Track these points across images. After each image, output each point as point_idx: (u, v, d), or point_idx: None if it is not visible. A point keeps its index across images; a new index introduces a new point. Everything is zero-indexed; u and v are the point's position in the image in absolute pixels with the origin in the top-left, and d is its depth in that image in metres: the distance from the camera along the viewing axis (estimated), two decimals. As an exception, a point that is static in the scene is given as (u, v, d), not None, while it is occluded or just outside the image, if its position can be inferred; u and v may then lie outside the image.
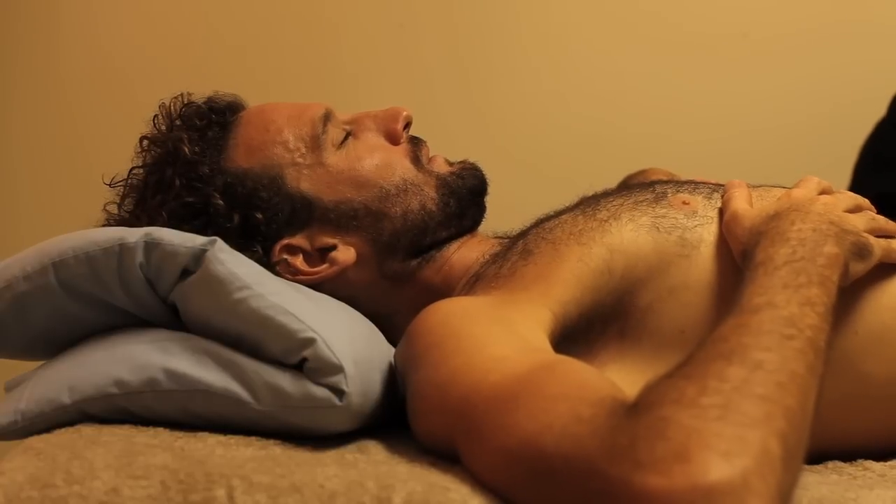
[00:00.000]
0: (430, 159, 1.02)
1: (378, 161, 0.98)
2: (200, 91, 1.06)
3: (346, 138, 0.99)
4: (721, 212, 0.89)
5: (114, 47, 2.00)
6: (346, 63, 1.97)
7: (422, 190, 0.99)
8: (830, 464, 0.81)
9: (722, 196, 0.92)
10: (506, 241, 1.00)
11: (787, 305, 0.66)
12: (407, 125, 1.03)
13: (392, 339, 0.93)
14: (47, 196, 1.96)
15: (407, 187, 0.98)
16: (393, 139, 1.01)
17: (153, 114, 1.03)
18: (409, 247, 0.98)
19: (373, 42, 1.99)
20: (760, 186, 0.94)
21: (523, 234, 0.95)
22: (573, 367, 0.67)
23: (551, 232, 0.91)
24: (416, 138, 1.03)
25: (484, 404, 0.65)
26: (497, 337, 0.74)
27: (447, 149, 1.06)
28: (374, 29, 2.00)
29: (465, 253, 1.00)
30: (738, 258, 0.84)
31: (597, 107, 1.95)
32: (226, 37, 2.00)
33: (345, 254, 0.96)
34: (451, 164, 1.03)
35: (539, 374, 0.65)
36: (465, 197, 1.01)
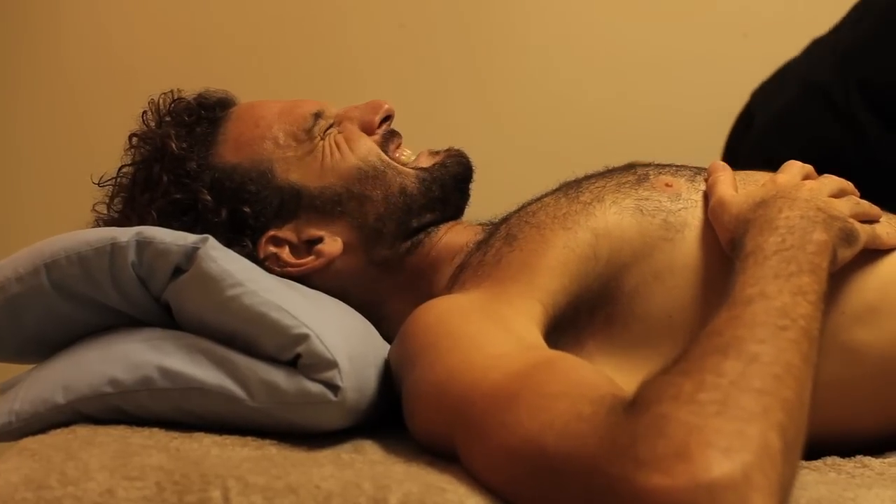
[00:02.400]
0: (397, 148, 1.02)
1: (354, 146, 0.99)
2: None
3: (329, 128, 1.00)
4: (705, 196, 0.89)
5: (117, 43, 2.00)
6: (346, 63, 1.97)
7: (398, 174, 0.99)
8: (829, 460, 0.81)
9: (706, 179, 0.91)
10: (489, 227, 1.00)
11: (779, 295, 0.65)
12: (387, 118, 1.03)
13: (383, 329, 0.94)
14: (49, 196, 1.96)
15: (385, 169, 0.99)
16: (367, 129, 1.01)
17: (142, 110, 1.03)
18: (396, 230, 0.98)
19: (373, 42, 1.99)
20: (743, 171, 0.93)
21: (505, 219, 0.95)
22: (571, 365, 0.67)
23: (534, 216, 0.90)
24: (391, 131, 1.03)
25: (483, 402, 0.65)
26: (493, 335, 0.74)
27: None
28: (375, 29, 2.00)
29: (452, 238, 1.00)
30: (724, 246, 0.83)
31: (595, 108, 1.95)
32: (227, 36, 2.00)
33: (331, 246, 0.96)
34: (435, 153, 1.03)
35: (538, 371, 0.65)
36: (448, 183, 1.01)
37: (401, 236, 0.99)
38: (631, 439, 0.53)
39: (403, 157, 1.02)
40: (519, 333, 0.76)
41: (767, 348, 0.59)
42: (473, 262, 0.91)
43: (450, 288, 0.93)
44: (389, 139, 1.02)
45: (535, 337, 0.77)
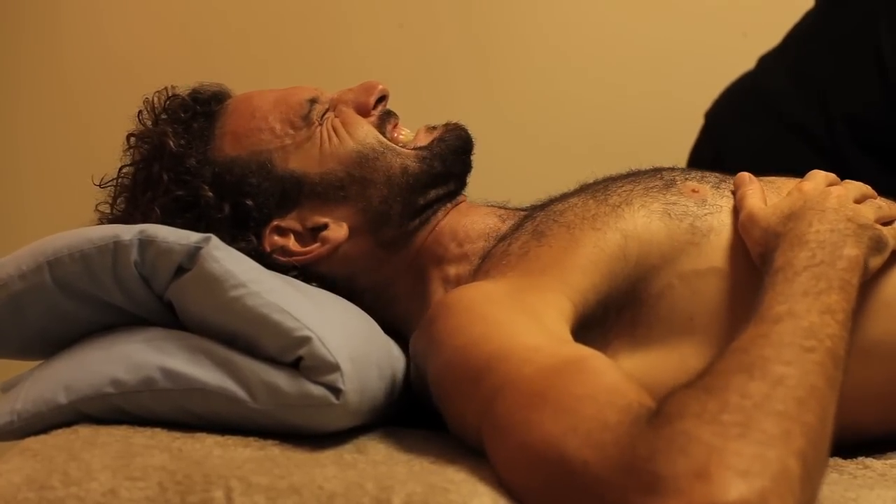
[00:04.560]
0: (394, 128, 1.02)
1: (351, 131, 0.99)
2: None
3: (325, 113, 0.99)
4: (735, 209, 0.88)
5: (117, 43, 2.00)
6: (346, 63, 1.97)
7: (398, 153, 0.99)
8: (831, 461, 0.80)
9: (733, 192, 0.91)
10: (501, 210, 1.01)
11: (807, 314, 0.66)
12: (382, 99, 1.02)
13: (394, 311, 0.95)
14: (50, 195, 1.96)
15: (384, 150, 0.98)
16: (362, 111, 1.01)
17: (138, 109, 1.03)
18: (403, 210, 0.98)
19: (373, 42, 1.99)
20: (767, 178, 0.93)
21: (529, 216, 0.95)
22: (601, 366, 0.66)
23: (563, 215, 0.90)
24: (387, 112, 1.03)
25: (514, 397, 0.65)
26: (525, 325, 0.74)
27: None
28: (374, 29, 2.00)
29: (456, 217, 1.00)
30: (756, 260, 0.83)
31: (595, 108, 1.95)
32: (227, 36, 2.00)
33: (336, 232, 0.96)
34: (433, 129, 1.03)
35: (568, 370, 0.65)
36: (448, 157, 1.01)
37: (407, 215, 0.98)
38: (651, 453, 0.54)
39: (402, 137, 1.02)
40: (549, 326, 0.75)
41: (793, 370, 0.59)
42: (497, 252, 0.91)
43: (473, 276, 0.93)
44: (386, 120, 1.02)
45: (564, 331, 0.77)
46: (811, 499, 0.55)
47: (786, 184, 0.91)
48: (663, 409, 0.57)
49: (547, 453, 0.59)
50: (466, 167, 1.03)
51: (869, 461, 0.81)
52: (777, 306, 0.67)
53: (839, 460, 0.81)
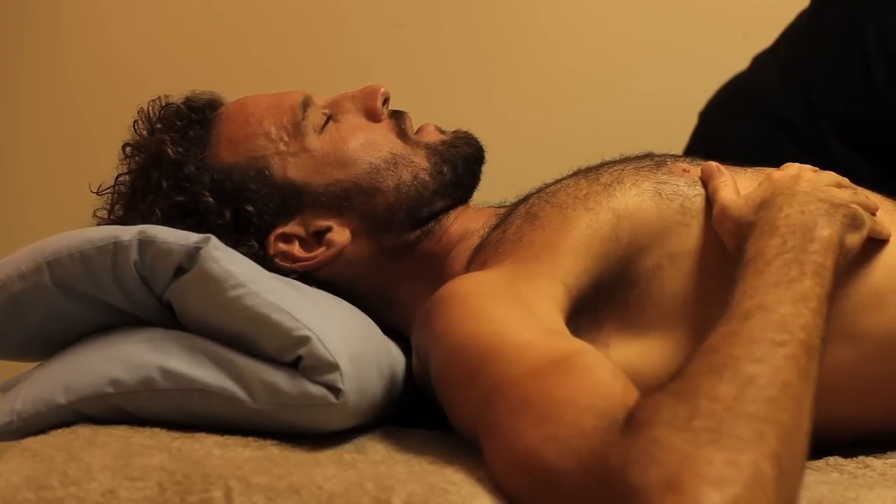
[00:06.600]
0: (417, 130, 1.01)
1: (362, 140, 0.98)
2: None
3: (326, 122, 0.99)
4: (708, 201, 0.87)
5: (117, 43, 2.00)
6: (346, 63, 1.97)
7: (412, 161, 0.98)
8: (831, 460, 0.81)
9: (702, 179, 0.90)
10: (503, 209, 1.00)
11: (778, 306, 0.64)
12: (385, 101, 1.02)
13: (395, 315, 0.95)
14: (50, 196, 1.96)
15: (396, 160, 0.98)
16: (373, 117, 1.00)
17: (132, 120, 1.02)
18: (406, 220, 0.97)
19: (373, 42, 1.99)
20: (734, 168, 0.92)
21: (523, 200, 0.94)
22: (589, 364, 0.66)
23: (555, 196, 0.90)
24: (397, 112, 1.02)
25: (502, 402, 0.65)
26: (516, 319, 0.73)
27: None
28: (374, 29, 2.00)
29: (463, 224, 0.99)
30: (732, 253, 0.81)
31: (595, 109, 1.95)
32: (227, 36, 2.00)
33: (340, 235, 0.96)
34: (443, 132, 1.02)
35: (554, 370, 0.65)
36: (459, 165, 1.00)
37: (410, 225, 0.98)
38: (623, 462, 0.53)
39: (425, 137, 1.00)
40: (541, 317, 0.75)
41: (763, 368, 0.58)
42: (493, 240, 0.90)
43: (468, 268, 0.92)
44: (400, 121, 1.01)
45: (558, 322, 0.76)
46: (791, 499, 0.54)
47: (754, 173, 0.91)
48: (636, 416, 0.56)
49: (529, 461, 0.59)
50: (475, 179, 1.03)
51: (869, 460, 0.81)
52: (747, 301, 0.66)
53: (839, 459, 0.81)
